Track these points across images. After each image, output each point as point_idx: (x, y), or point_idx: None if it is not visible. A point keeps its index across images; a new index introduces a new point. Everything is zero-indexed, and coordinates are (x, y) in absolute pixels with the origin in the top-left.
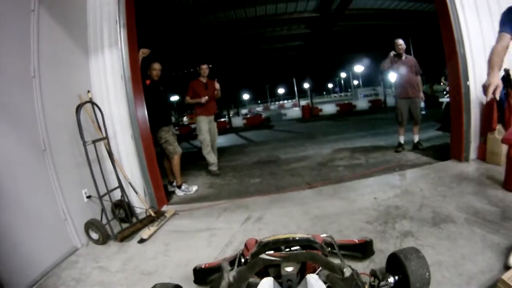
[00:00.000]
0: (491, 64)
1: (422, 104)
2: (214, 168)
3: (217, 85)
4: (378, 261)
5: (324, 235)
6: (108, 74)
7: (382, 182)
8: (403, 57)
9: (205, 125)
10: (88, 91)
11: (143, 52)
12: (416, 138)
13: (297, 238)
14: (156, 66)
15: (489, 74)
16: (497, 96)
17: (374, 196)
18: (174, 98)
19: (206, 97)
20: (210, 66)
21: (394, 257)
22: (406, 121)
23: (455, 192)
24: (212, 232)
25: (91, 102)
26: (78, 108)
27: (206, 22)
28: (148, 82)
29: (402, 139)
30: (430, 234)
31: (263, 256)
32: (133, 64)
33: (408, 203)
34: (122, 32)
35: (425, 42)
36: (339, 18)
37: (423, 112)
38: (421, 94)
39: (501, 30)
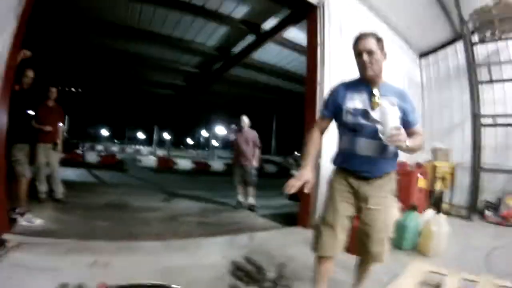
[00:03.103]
0: (306, 153)
1: (254, 171)
2: (41, 196)
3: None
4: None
5: (175, 286)
6: None
7: (230, 242)
8: (244, 130)
9: (40, 153)
10: None
11: (25, 54)
12: (251, 201)
13: (154, 284)
14: (30, 73)
15: (303, 165)
16: (306, 190)
17: (222, 255)
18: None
19: (51, 128)
20: (60, 89)
21: None
22: (241, 184)
23: (301, 253)
24: (58, 272)
25: None
26: None
27: (90, 42)
28: (17, 88)
29: (240, 198)
30: None
31: None
32: (11, 62)
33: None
34: (13, 23)
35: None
36: (216, 79)
37: (254, 178)
38: (254, 163)
39: (321, 114)
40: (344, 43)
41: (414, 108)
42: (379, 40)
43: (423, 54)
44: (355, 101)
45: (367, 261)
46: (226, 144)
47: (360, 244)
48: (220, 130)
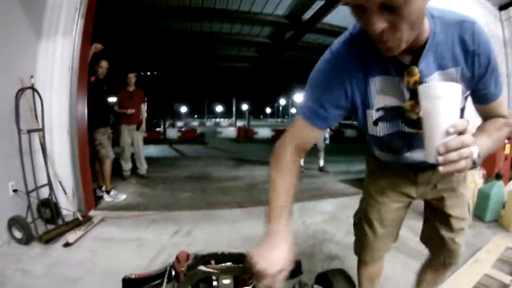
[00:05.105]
0: (272, 204)
1: (326, 135)
2: (126, 173)
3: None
4: (305, 280)
5: None
6: (56, 62)
7: (311, 208)
8: None
9: (124, 134)
10: (32, 77)
11: (96, 48)
12: (321, 163)
13: (233, 253)
14: (104, 64)
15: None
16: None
17: (302, 220)
18: (113, 99)
19: (133, 110)
20: (137, 74)
21: (323, 276)
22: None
23: None
24: (141, 242)
25: (33, 88)
26: (19, 92)
27: (160, 28)
28: (92, 79)
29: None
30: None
31: (201, 267)
32: (83, 57)
33: (335, 229)
34: (80, 22)
35: None
36: (289, 48)
37: (327, 142)
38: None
39: (305, 115)
40: None
41: (492, 61)
42: None
43: (503, 7)
44: (384, 94)
45: (442, 265)
46: None
47: (430, 243)
48: (298, 97)
